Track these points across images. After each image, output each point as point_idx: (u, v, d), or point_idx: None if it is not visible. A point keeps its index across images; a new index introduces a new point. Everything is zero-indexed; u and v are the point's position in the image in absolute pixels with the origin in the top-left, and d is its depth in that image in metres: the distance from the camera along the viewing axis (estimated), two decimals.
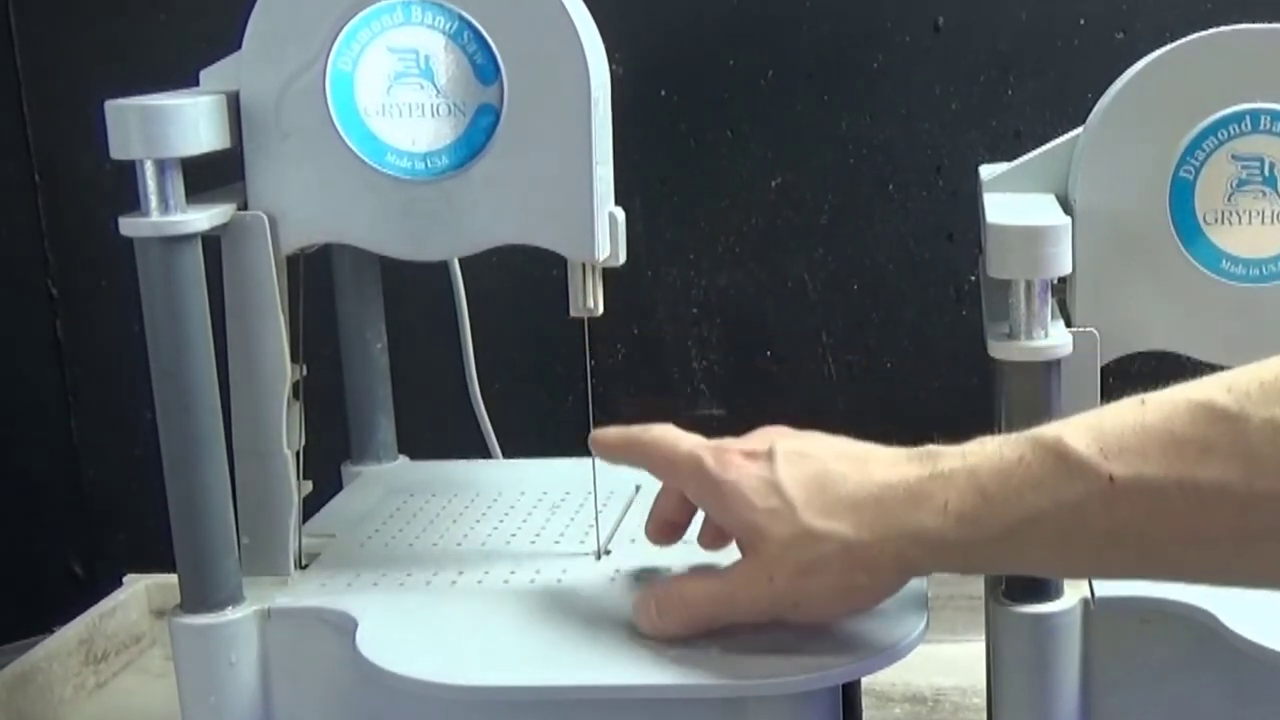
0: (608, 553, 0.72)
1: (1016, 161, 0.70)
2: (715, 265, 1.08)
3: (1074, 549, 0.53)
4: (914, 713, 0.87)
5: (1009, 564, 0.56)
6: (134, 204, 0.64)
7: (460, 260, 0.87)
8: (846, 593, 0.58)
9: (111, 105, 0.63)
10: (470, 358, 0.91)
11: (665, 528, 0.69)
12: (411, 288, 0.88)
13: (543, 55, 0.65)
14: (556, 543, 0.74)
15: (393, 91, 0.66)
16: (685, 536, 0.71)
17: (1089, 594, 0.64)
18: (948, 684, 0.88)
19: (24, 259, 1.13)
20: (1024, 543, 0.53)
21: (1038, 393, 0.62)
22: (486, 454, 0.94)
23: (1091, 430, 0.52)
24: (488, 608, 0.67)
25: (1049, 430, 0.53)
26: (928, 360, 1.08)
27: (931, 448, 0.57)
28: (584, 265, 0.68)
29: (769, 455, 0.60)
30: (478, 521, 0.78)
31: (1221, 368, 0.54)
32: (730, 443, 0.63)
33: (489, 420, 0.94)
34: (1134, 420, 0.51)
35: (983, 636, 0.68)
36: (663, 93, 1.06)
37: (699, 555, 0.70)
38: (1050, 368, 0.62)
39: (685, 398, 1.08)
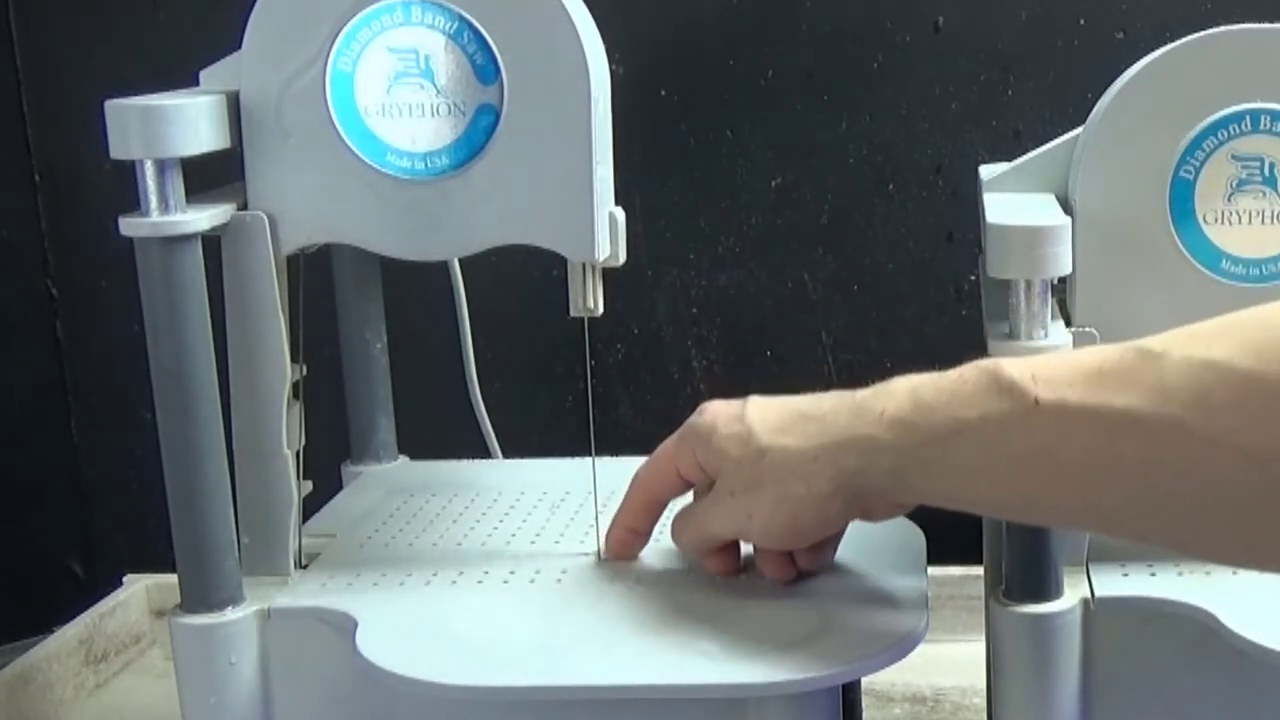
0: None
1: (1016, 161, 0.70)
2: (715, 265, 1.08)
3: (993, 463, 0.55)
4: (914, 713, 0.87)
5: (933, 473, 0.57)
6: (134, 204, 0.64)
7: (460, 260, 0.87)
8: (785, 503, 0.61)
9: (111, 105, 0.63)
10: (470, 358, 0.91)
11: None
12: (411, 288, 0.88)
13: (543, 55, 0.65)
14: (556, 543, 0.74)
15: (393, 91, 0.66)
16: None
17: (1089, 594, 0.64)
18: (948, 684, 0.88)
19: (24, 259, 1.13)
20: (948, 449, 0.56)
21: None
22: (486, 454, 0.94)
23: (1029, 361, 0.55)
24: (487, 608, 0.67)
25: (991, 358, 0.57)
26: (928, 360, 1.08)
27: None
28: (584, 265, 0.68)
29: (744, 400, 0.65)
30: (478, 521, 0.78)
31: None
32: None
33: (489, 420, 0.94)
34: (1071, 357, 0.55)
35: (983, 636, 0.68)
36: (663, 93, 1.06)
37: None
38: None
39: (685, 398, 1.08)
